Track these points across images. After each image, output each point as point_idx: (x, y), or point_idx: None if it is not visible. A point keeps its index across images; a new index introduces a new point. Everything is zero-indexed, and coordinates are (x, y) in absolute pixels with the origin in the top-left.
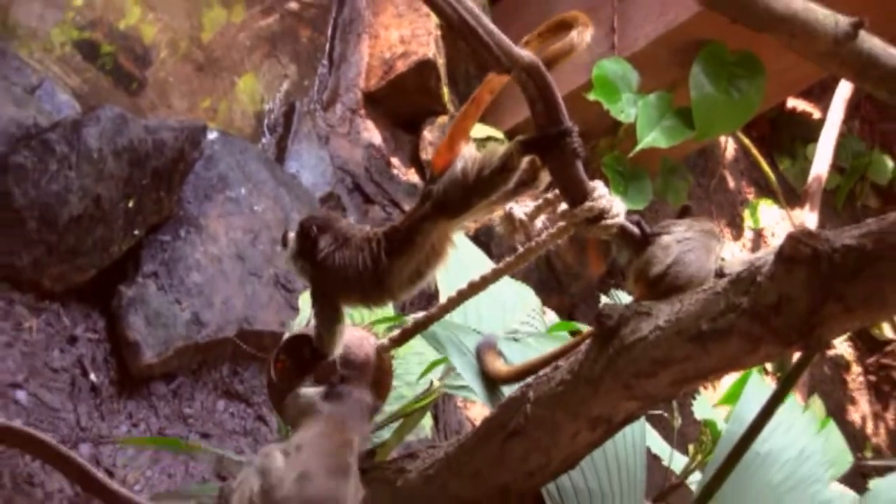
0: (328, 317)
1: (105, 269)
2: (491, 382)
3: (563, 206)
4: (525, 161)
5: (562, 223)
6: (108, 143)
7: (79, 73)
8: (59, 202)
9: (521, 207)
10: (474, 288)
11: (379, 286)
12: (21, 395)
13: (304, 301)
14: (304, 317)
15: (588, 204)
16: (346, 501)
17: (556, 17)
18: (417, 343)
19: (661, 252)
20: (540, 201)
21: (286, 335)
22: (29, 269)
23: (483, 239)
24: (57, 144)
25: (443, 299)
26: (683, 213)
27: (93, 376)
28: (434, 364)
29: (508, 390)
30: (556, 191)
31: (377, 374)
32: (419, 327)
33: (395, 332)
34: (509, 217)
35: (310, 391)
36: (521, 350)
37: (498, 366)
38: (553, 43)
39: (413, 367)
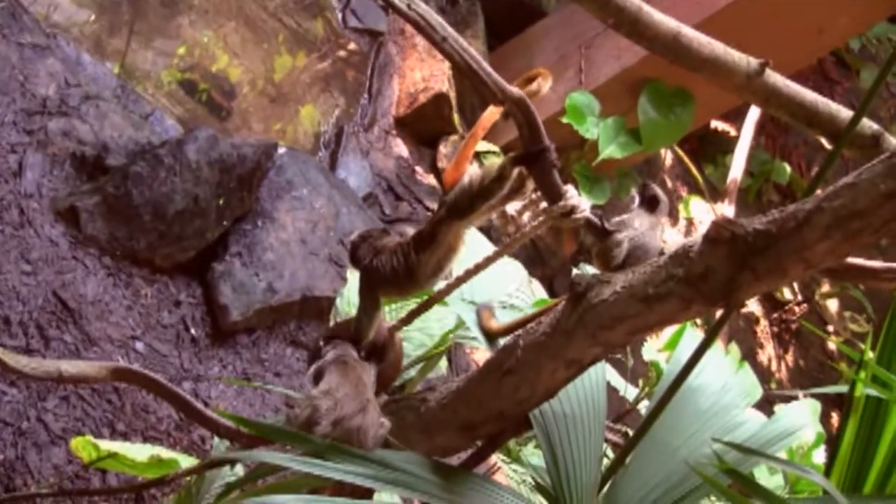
0: (369, 307)
1: (202, 251)
2: (490, 336)
3: (544, 204)
4: (515, 172)
5: (542, 217)
6: (204, 157)
7: (182, 104)
8: (167, 200)
9: (512, 206)
10: (479, 267)
11: (410, 279)
12: (139, 345)
13: (351, 274)
14: (351, 285)
15: (562, 203)
16: (369, 433)
17: (529, 73)
18: (437, 309)
19: (616, 248)
20: (526, 202)
21: (331, 323)
22: (145, 250)
23: (484, 228)
24: (165, 157)
25: (458, 274)
26: (646, 192)
27: (193, 331)
28: (452, 330)
29: (503, 341)
30: (538, 193)
31: (390, 349)
32: (434, 300)
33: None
34: (504, 213)
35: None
36: (512, 314)
37: (492, 324)
38: (527, 87)
39: (433, 325)
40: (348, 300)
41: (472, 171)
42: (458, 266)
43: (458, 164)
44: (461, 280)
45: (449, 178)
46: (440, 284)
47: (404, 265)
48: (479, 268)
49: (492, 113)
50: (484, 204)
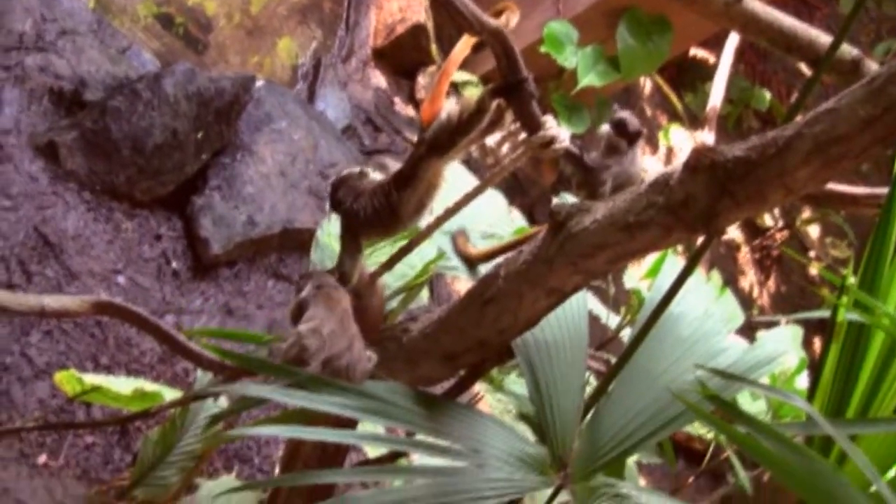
0: (352, 250)
1: (181, 184)
2: (468, 262)
3: (523, 135)
4: (493, 104)
5: (522, 148)
6: (182, 90)
7: (158, 39)
8: (146, 135)
9: (491, 138)
10: (461, 203)
11: (393, 218)
12: (121, 279)
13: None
14: (332, 217)
15: (541, 133)
16: (357, 370)
17: (496, 6)
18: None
19: (602, 187)
20: (505, 133)
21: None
22: (124, 185)
23: (463, 160)
24: (143, 92)
25: (438, 210)
26: (626, 128)
27: (174, 264)
28: (433, 261)
29: (484, 270)
30: (518, 124)
31: (373, 293)
32: (421, 237)
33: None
34: (483, 145)
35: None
36: (493, 244)
37: (468, 249)
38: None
39: (413, 255)
40: (329, 232)
41: (450, 106)
42: (440, 200)
43: (434, 99)
44: (444, 217)
45: (426, 114)
46: (423, 221)
47: (386, 205)
48: (463, 202)
49: (464, 45)
50: (464, 139)
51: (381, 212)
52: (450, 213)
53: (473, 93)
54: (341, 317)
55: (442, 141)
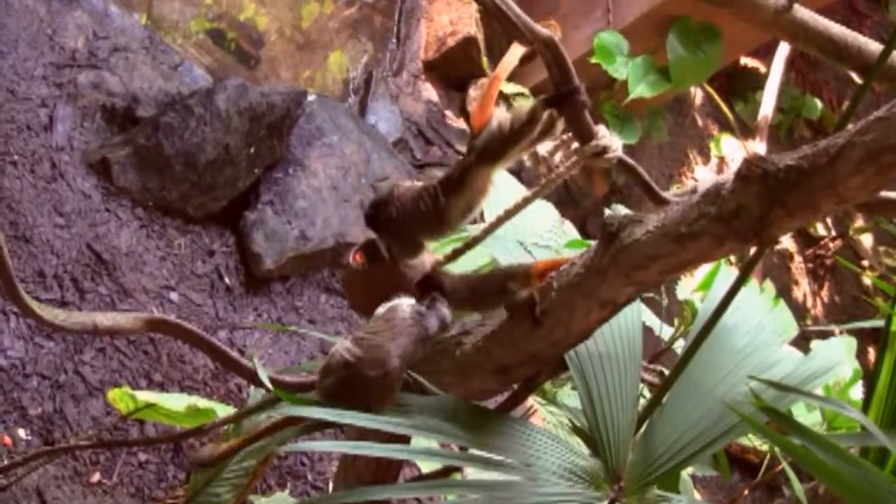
0: (411, 251)
1: (234, 199)
2: None
3: (575, 145)
4: (545, 114)
5: (575, 158)
6: (234, 106)
7: (210, 54)
8: (198, 150)
9: (543, 147)
10: (514, 210)
11: (439, 222)
12: (174, 295)
13: None
14: None
15: (594, 143)
16: (377, 392)
17: (541, 22)
18: (470, 252)
19: None
20: (557, 142)
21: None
22: (177, 200)
23: (515, 170)
24: (195, 107)
25: (489, 219)
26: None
27: (227, 280)
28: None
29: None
30: (570, 134)
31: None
32: (471, 244)
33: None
34: (535, 155)
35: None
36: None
37: None
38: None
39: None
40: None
41: (501, 115)
42: (491, 208)
43: (484, 106)
44: (496, 224)
45: (476, 120)
46: (475, 229)
47: (433, 208)
48: (515, 209)
49: (514, 52)
50: (514, 148)
51: (427, 214)
52: (501, 220)
53: (524, 104)
54: (383, 344)
55: (492, 149)
